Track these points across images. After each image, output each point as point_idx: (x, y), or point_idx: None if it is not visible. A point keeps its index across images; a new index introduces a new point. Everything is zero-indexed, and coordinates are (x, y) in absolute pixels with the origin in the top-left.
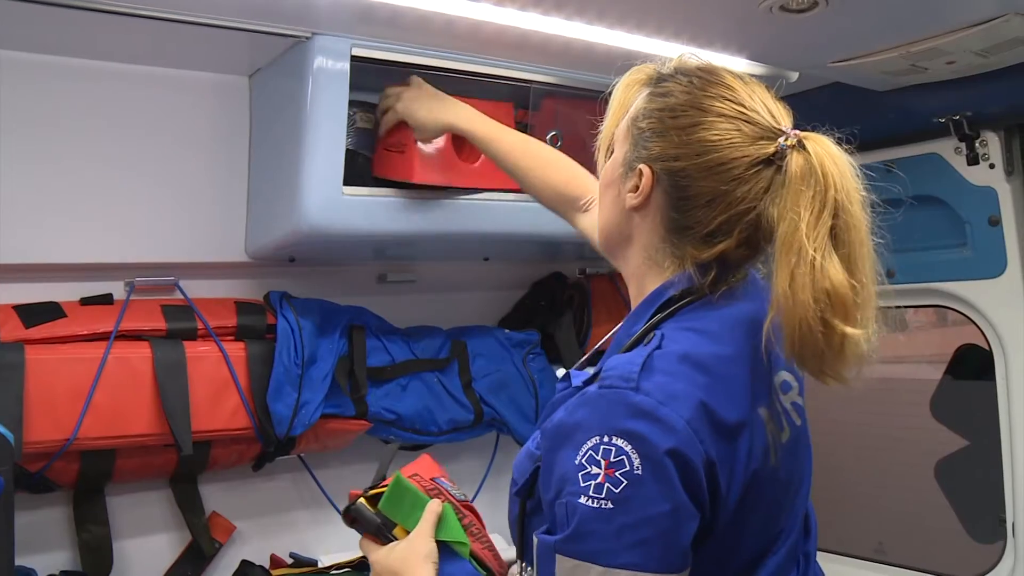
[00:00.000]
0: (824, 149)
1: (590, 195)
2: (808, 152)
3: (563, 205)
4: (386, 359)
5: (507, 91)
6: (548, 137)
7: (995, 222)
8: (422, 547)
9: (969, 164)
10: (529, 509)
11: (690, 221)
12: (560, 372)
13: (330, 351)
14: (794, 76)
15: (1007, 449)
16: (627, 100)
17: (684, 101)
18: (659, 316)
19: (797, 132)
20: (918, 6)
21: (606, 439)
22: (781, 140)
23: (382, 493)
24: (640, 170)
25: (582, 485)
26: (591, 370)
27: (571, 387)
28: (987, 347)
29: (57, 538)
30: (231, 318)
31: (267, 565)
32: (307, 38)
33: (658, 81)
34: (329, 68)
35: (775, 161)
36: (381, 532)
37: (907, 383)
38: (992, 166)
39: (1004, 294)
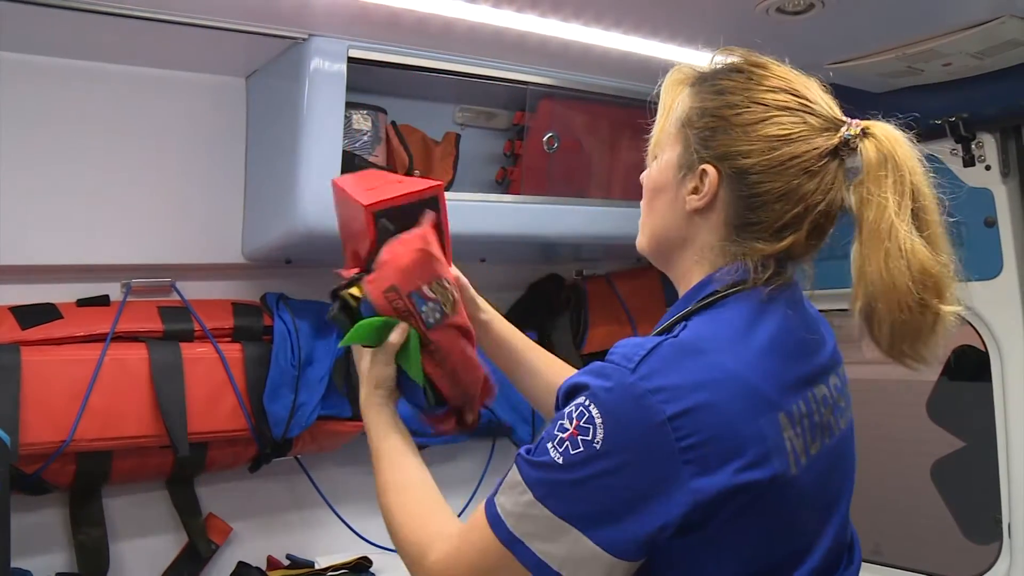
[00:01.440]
0: (891, 135)
1: None
2: (878, 138)
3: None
4: None
5: (504, 93)
6: (545, 139)
7: (991, 223)
8: (380, 371)
9: (965, 166)
10: None
11: (761, 217)
12: None
13: (327, 352)
14: None
15: (1003, 450)
16: (672, 102)
17: (744, 97)
18: (697, 306)
19: (858, 121)
20: (914, 8)
21: (586, 403)
22: (844, 130)
23: (360, 296)
24: (703, 170)
25: (554, 432)
26: None
27: None
28: (983, 348)
29: (53, 540)
30: (228, 319)
31: (264, 566)
32: (304, 40)
33: (706, 79)
34: (326, 70)
35: (840, 151)
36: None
37: (903, 384)
38: (988, 168)
39: (1000, 295)
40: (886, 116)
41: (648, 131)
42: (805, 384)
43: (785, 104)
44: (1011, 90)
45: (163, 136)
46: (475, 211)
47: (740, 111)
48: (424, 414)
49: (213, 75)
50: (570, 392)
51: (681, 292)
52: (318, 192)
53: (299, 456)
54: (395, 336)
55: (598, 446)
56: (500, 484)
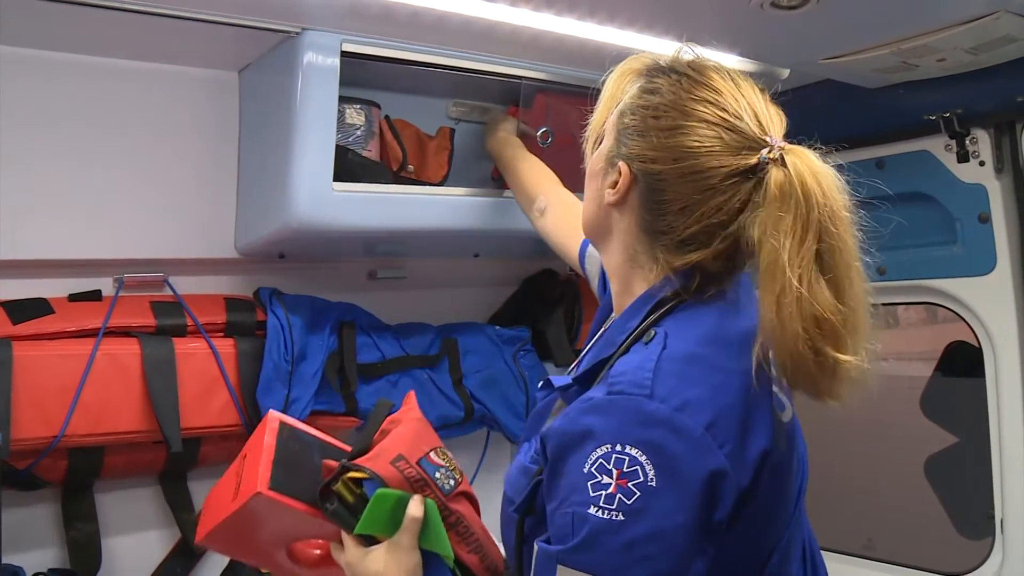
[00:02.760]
0: (807, 165)
1: (542, 197)
2: (788, 169)
3: (525, 205)
4: (376, 356)
5: (498, 87)
6: (539, 133)
7: (985, 219)
8: (405, 561)
9: (959, 161)
10: (527, 529)
11: (663, 226)
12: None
13: (320, 348)
14: (785, 73)
15: (996, 446)
16: (619, 90)
17: (668, 101)
18: (656, 315)
19: (781, 145)
20: (909, 3)
21: (619, 448)
22: (764, 152)
23: (362, 478)
24: (619, 167)
25: (592, 495)
26: (572, 374)
27: (553, 392)
28: (977, 344)
29: (45, 535)
30: (221, 314)
31: None
32: (297, 33)
33: (650, 75)
34: (319, 64)
35: (755, 174)
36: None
37: (897, 380)
38: (982, 163)
39: (994, 291)
40: (876, 113)
41: None
42: (772, 380)
43: (704, 116)
44: (1005, 86)
45: (155, 130)
46: (469, 207)
47: (660, 115)
48: None
49: (205, 69)
50: (574, 441)
51: (615, 287)
52: (311, 187)
53: None
54: (414, 509)
55: (654, 483)
56: None
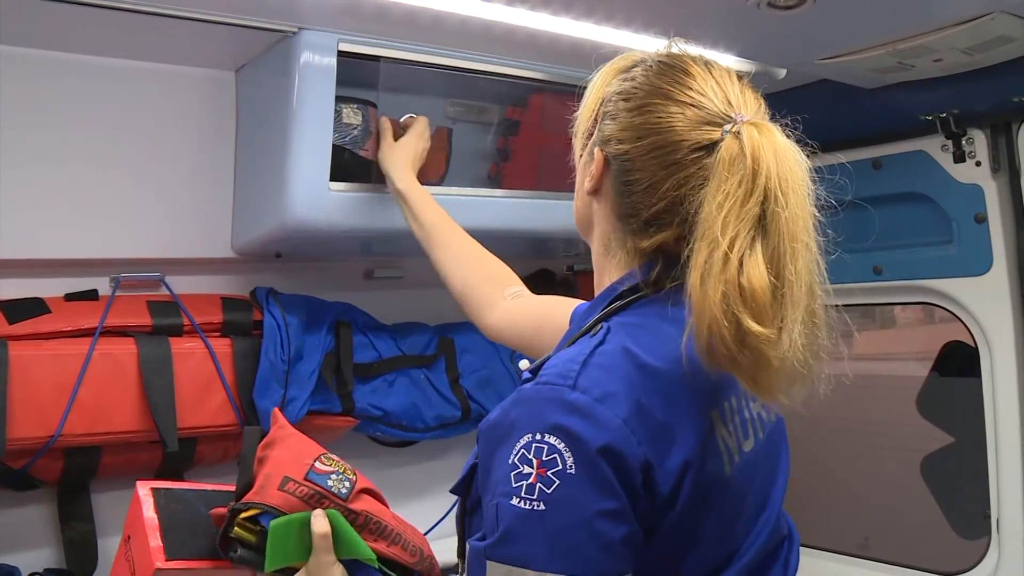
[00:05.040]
0: (766, 137)
1: (519, 287)
2: (744, 137)
3: (474, 299)
4: (373, 355)
5: (495, 87)
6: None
7: (981, 219)
8: None
9: (956, 161)
10: (468, 508)
11: (630, 207)
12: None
13: (316, 347)
14: (782, 73)
15: (992, 445)
16: (603, 87)
17: (639, 84)
18: (610, 308)
19: (746, 119)
20: (905, 4)
21: (539, 436)
22: (726, 126)
23: (256, 514)
24: (595, 154)
25: (513, 486)
26: (537, 361)
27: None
28: (973, 344)
29: (41, 535)
30: (217, 314)
31: None
32: (293, 33)
33: (630, 68)
34: (316, 63)
35: (714, 148)
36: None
37: (894, 380)
38: (978, 163)
39: (990, 291)
40: (873, 113)
41: None
42: (729, 380)
43: (670, 94)
44: (1001, 86)
45: (152, 130)
46: (466, 206)
47: (629, 98)
48: None
49: (202, 68)
50: (502, 433)
51: (595, 280)
52: (308, 186)
53: None
54: (319, 525)
55: (572, 471)
56: None
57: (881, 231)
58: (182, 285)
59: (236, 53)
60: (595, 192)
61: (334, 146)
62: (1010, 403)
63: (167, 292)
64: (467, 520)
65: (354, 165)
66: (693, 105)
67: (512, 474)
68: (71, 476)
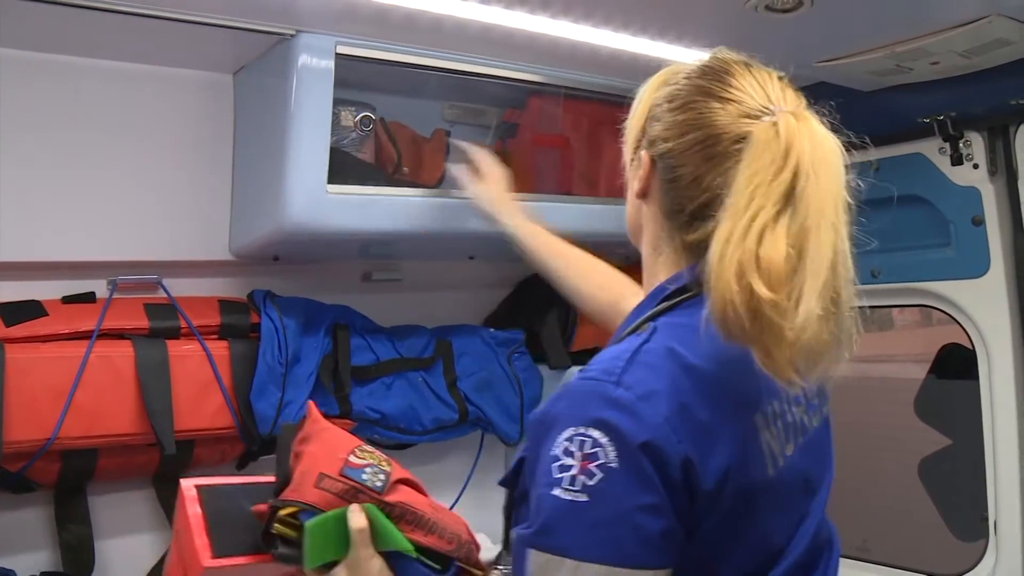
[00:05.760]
0: (803, 124)
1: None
2: (780, 124)
3: (602, 308)
4: (371, 358)
5: (493, 90)
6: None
7: (979, 222)
8: (368, 572)
9: (953, 164)
10: (516, 499)
11: (677, 203)
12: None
13: (314, 350)
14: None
15: (990, 448)
16: (650, 98)
17: (682, 87)
18: (659, 308)
19: (785, 110)
20: (903, 7)
21: (582, 429)
22: (766, 117)
23: (296, 512)
24: (641, 156)
25: (555, 477)
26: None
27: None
28: (970, 346)
29: (38, 538)
30: (215, 317)
31: None
32: (291, 36)
33: (675, 76)
34: (313, 66)
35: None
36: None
37: (891, 382)
38: (976, 166)
39: (987, 294)
40: (871, 116)
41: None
42: (773, 385)
43: (711, 92)
44: (999, 89)
45: (150, 132)
46: (464, 209)
47: (672, 99)
48: None
49: (200, 71)
50: (547, 426)
51: (644, 282)
52: (306, 189)
53: None
54: (356, 520)
55: (615, 464)
56: None
57: (878, 234)
58: (179, 288)
59: (234, 56)
60: (644, 194)
61: (332, 149)
62: (1008, 406)
63: (164, 295)
64: (514, 512)
65: (352, 168)
66: (734, 100)
67: (555, 465)
68: (68, 479)
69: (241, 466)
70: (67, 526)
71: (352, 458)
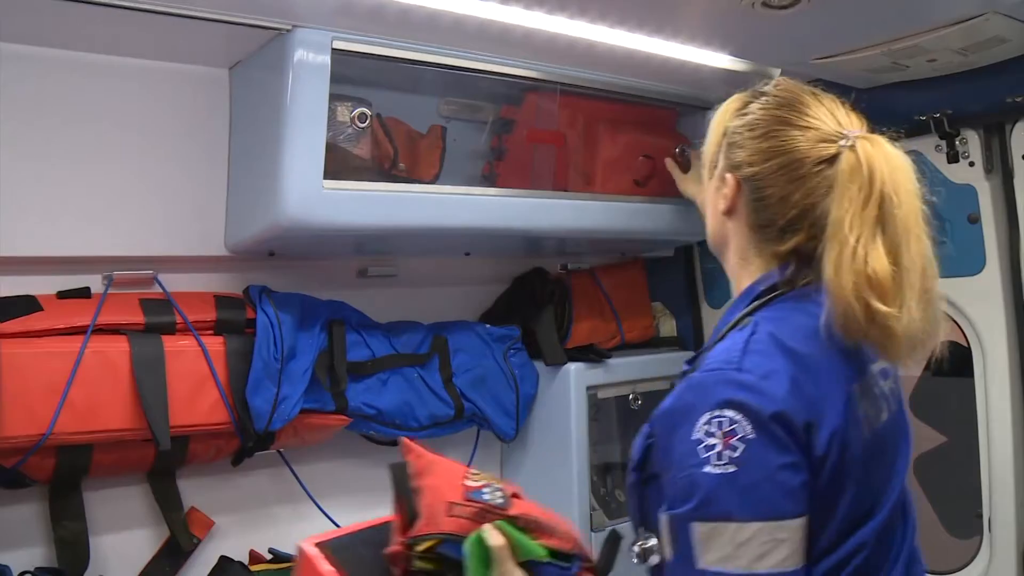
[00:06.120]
0: (877, 149)
1: None
2: (859, 150)
3: None
4: (366, 354)
5: (489, 86)
6: (676, 151)
7: (974, 220)
8: None
9: (949, 162)
10: (643, 480)
11: (766, 219)
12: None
13: (310, 346)
14: (776, 73)
15: (984, 445)
16: (723, 123)
17: (760, 116)
18: (753, 306)
19: (860, 134)
20: (899, 4)
21: (716, 412)
22: (841, 142)
23: (434, 544)
24: (727, 179)
25: (703, 457)
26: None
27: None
28: (966, 344)
29: (33, 534)
30: (210, 312)
31: (246, 561)
32: (287, 31)
33: (746, 104)
34: (310, 61)
35: (835, 162)
36: None
37: None
38: (972, 164)
39: (983, 291)
40: (867, 113)
41: (634, 123)
42: (863, 361)
43: (789, 121)
44: (995, 86)
45: (146, 127)
46: (460, 204)
47: (754, 127)
48: None
49: (196, 66)
50: (680, 416)
51: (733, 288)
52: (302, 184)
53: (282, 450)
54: (495, 539)
55: (753, 435)
56: (681, 558)
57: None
58: (175, 283)
59: (230, 51)
60: (729, 212)
61: (328, 144)
62: (1002, 403)
63: (160, 290)
64: (642, 490)
65: (348, 163)
66: (811, 128)
67: (700, 447)
68: (63, 474)
69: (236, 462)
70: (62, 522)
71: (469, 482)
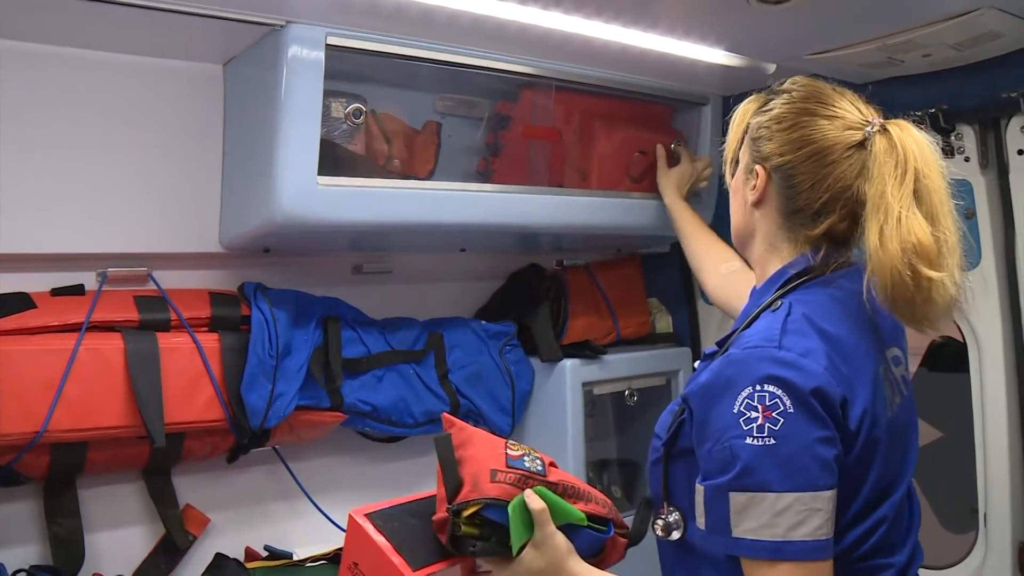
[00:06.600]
0: (905, 131)
1: (735, 262)
2: (890, 134)
3: (699, 269)
4: (361, 350)
5: (485, 82)
6: (672, 144)
7: (970, 215)
8: (559, 545)
9: (945, 157)
10: (672, 455)
11: (799, 205)
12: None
13: (305, 342)
14: (771, 68)
15: (980, 440)
16: (743, 121)
17: (786, 110)
18: (783, 290)
19: (882, 121)
20: None
21: (758, 387)
22: (868, 128)
23: (477, 509)
24: (756, 171)
25: (744, 429)
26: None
27: (705, 361)
28: (961, 339)
29: (27, 532)
30: (205, 309)
31: (242, 558)
32: (281, 26)
33: (766, 102)
34: (304, 57)
35: (865, 145)
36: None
37: None
38: (967, 159)
39: (978, 287)
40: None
41: (629, 119)
42: (881, 346)
43: (816, 112)
44: (990, 81)
45: (139, 123)
46: (456, 201)
47: (781, 120)
48: (600, 551)
49: (190, 62)
50: (719, 390)
51: (757, 273)
52: (296, 181)
53: (277, 447)
54: (534, 503)
55: (792, 410)
56: (715, 528)
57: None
58: (170, 280)
59: (224, 47)
60: (758, 203)
61: (322, 140)
62: (998, 398)
63: (154, 287)
64: (667, 466)
65: (343, 159)
66: (837, 117)
67: (740, 420)
68: (57, 472)
69: (232, 459)
70: (57, 519)
71: (510, 451)
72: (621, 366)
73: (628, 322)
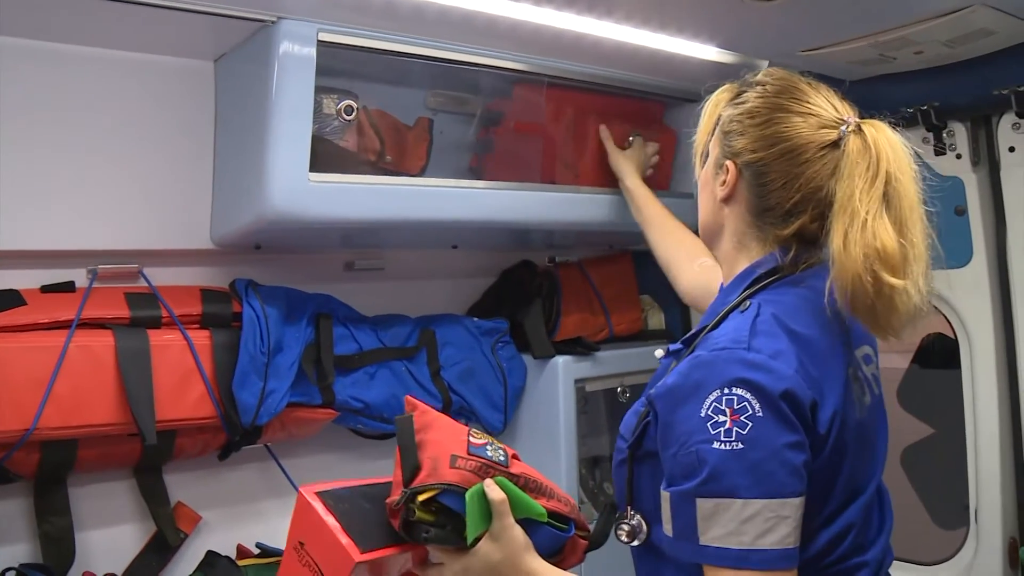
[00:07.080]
0: (879, 132)
1: (707, 259)
2: (865, 134)
3: (670, 265)
4: (353, 347)
5: (476, 78)
6: (629, 139)
7: (961, 212)
8: (516, 538)
9: (936, 154)
10: (637, 457)
11: (770, 203)
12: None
13: (296, 339)
14: (764, 65)
15: (971, 437)
16: (715, 113)
17: (760, 104)
18: (751, 290)
19: (858, 120)
20: None
21: (727, 390)
22: (843, 127)
23: (434, 494)
24: (727, 166)
25: (711, 433)
26: (681, 340)
27: (669, 357)
28: (953, 336)
29: (17, 530)
30: (196, 306)
31: (233, 555)
32: (273, 22)
33: (739, 93)
34: (295, 53)
35: (839, 145)
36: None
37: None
38: (959, 156)
39: (970, 283)
40: (854, 106)
41: (621, 115)
42: (851, 345)
43: (791, 108)
44: (982, 79)
45: (130, 120)
46: (447, 197)
47: (754, 115)
48: (559, 551)
49: (181, 58)
50: (686, 392)
51: (724, 271)
52: (287, 177)
53: (269, 444)
54: (494, 492)
55: (761, 414)
56: (681, 535)
57: None
58: (161, 277)
59: (215, 42)
60: (728, 199)
61: (314, 137)
62: (989, 394)
63: (145, 284)
64: (631, 468)
65: (334, 156)
66: (811, 114)
67: (708, 424)
68: (48, 470)
69: (223, 456)
70: (47, 518)
71: (471, 438)
72: (614, 363)
73: (621, 319)
